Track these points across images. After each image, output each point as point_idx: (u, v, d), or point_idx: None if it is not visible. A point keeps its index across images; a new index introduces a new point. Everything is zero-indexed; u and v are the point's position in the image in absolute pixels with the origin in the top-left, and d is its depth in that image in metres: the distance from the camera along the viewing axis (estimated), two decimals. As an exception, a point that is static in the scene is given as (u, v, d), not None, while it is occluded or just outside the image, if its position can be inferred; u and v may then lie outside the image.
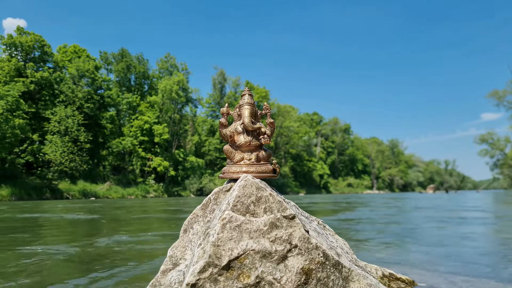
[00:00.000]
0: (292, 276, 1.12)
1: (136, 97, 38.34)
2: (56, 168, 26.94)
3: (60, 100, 30.24)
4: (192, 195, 35.70)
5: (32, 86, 28.73)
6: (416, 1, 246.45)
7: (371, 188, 72.21)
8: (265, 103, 1.59)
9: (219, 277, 1.06)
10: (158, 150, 36.28)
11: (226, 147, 1.52)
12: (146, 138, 35.79)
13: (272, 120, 1.53)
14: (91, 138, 30.73)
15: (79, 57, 33.83)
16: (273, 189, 1.36)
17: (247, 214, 1.17)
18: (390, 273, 1.87)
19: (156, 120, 36.91)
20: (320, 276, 1.16)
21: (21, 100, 24.75)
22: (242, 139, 1.48)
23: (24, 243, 3.86)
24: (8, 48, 29.15)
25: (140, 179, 34.04)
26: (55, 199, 22.94)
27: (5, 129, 22.04)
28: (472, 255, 3.16)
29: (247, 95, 1.53)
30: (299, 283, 1.12)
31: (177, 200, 21.65)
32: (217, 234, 1.10)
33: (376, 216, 7.95)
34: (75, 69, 31.64)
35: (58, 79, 30.92)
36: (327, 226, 1.77)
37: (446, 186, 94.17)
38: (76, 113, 30.06)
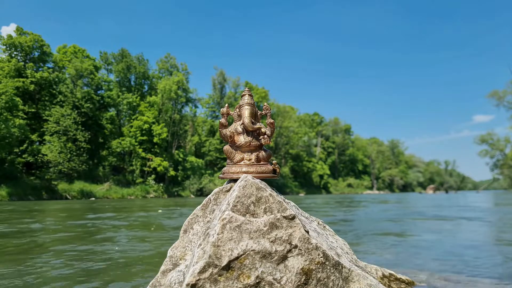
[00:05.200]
0: (292, 277, 1.12)
1: (136, 97, 38.33)
2: (55, 168, 26.90)
3: (59, 100, 30.22)
4: (192, 196, 35.68)
5: (32, 87, 28.72)
6: (416, 1, 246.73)
7: (371, 188, 72.16)
8: (265, 104, 1.59)
9: (219, 277, 1.06)
10: (158, 151, 36.25)
11: (226, 147, 1.52)
12: (145, 138, 35.77)
13: (272, 121, 1.53)
14: (89, 137, 30.69)
15: (78, 57, 33.83)
16: (273, 190, 1.36)
17: (247, 215, 1.17)
18: (390, 274, 1.87)
19: (155, 120, 36.90)
20: (320, 277, 1.16)
21: (18, 98, 24.64)
22: (242, 139, 1.48)
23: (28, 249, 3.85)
24: (8, 48, 29.14)
25: (140, 180, 33.99)
26: (55, 200, 22.94)
27: (3, 129, 21.97)
28: (472, 255, 3.16)
29: (247, 95, 1.53)
30: (299, 283, 1.12)
31: (177, 200, 21.65)
32: (217, 234, 1.10)
33: (376, 216, 7.95)
34: (73, 69, 31.62)
35: (57, 79, 30.90)
36: (327, 227, 1.77)
37: (446, 186, 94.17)
38: (74, 114, 30.03)
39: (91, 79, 33.36)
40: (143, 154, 35.12)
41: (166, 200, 21.61)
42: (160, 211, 9.75)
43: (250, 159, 1.47)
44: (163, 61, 42.67)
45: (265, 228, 1.15)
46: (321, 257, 1.17)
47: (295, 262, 1.14)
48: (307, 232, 1.21)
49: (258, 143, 1.48)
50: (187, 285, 1.04)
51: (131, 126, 36.20)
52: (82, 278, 2.29)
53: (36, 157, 26.93)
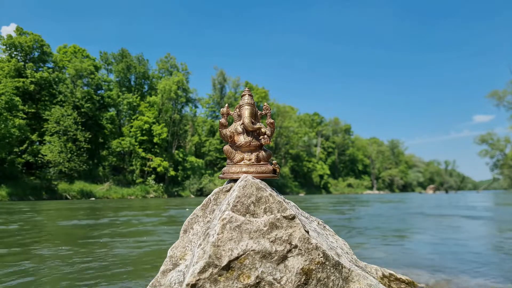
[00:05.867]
0: (292, 277, 1.12)
1: (136, 97, 38.33)
2: (55, 168, 26.89)
3: (59, 100, 30.21)
4: (192, 196, 35.68)
5: (32, 87, 28.71)
6: (416, 2, 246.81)
7: (371, 188, 72.15)
8: (265, 104, 1.59)
9: (219, 277, 1.06)
10: (158, 151, 36.25)
11: (226, 147, 1.52)
12: (145, 138, 35.77)
13: (272, 121, 1.52)
14: (89, 137, 30.69)
15: (78, 57, 33.82)
16: (273, 190, 1.36)
17: (247, 215, 1.17)
18: (390, 274, 1.87)
19: (155, 120, 36.90)
20: (320, 277, 1.16)
21: (17, 98, 24.62)
22: (242, 139, 1.47)
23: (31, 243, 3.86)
24: (8, 48, 29.13)
25: (140, 180, 33.98)
26: (55, 200, 22.93)
27: (3, 129, 21.94)
28: (472, 254, 3.16)
29: (247, 95, 1.53)
30: (299, 283, 1.12)
31: (177, 200, 21.64)
32: (217, 234, 1.10)
33: (376, 216, 7.94)
34: (73, 69, 31.60)
35: (57, 79, 30.89)
36: (327, 227, 1.77)
37: (446, 186, 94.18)
38: (75, 114, 30.02)
39: (91, 79, 33.34)
40: (143, 154, 35.11)
41: (167, 200, 21.61)
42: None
43: (250, 159, 1.46)
44: (163, 61, 42.66)
45: (265, 228, 1.14)
46: (321, 257, 1.17)
47: (295, 262, 1.14)
48: (307, 232, 1.21)
49: (258, 143, 1.48)
50: (187, 285, 1.04)
51: (131, 126, 36.19)
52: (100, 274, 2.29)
53: (36, 157, 26.93)
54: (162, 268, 1.35)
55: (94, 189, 28.38)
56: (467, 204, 14.26)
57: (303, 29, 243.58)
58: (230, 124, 1.55)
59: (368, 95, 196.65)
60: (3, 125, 21.99)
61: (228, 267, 1.07)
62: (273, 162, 1.51)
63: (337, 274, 1.21)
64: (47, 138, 28.37)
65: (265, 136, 1.49)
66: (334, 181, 65.87)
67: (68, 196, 25.70)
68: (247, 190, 1.21)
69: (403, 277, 1.91)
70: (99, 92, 35.10)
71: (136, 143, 35.18)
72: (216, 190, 1.47)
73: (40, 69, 30.84)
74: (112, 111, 36.29)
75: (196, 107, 44.99)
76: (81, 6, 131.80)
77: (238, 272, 1.07)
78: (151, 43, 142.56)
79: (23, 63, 29.63)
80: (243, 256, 1.08)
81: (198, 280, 1.04)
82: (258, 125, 1.49)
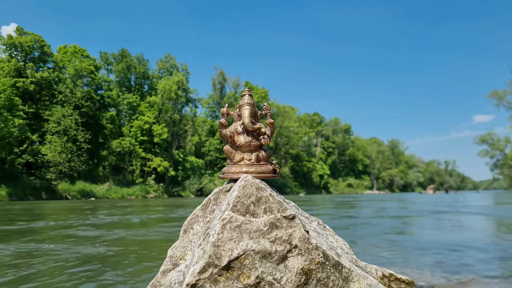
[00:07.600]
0: (292, 277, 1.12)
1: (136, 97, 38.34)
2: (55, 168, 26.90)
3: (59, 100, 30.21)
4: (192, 196, 35.68)
5: (32, 87, 28.71)
6: (416, 2, 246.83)
7: (371, 188, 72.16)
8: (265, 104, 1.59)
9: (219, 277, 1.06)
10: (158, 151, 36.27)
11: (226, 147, 1.52)
12: (145, 138, 35.79)
13: (272, 121, 1.52)
14: (90, 137, 30.69)
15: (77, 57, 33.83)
16: (273, 190, 1.36)
17: (247, 215, 1.17)
18: (390, 273, 1.87)
19: (155, 120, 36.93)
20: (320, 277, 1.16)
21: (16, 98, 24.60)
22: (242, 139, 1.47)
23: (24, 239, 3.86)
24: (8, 48, 29.13)
25: (140, 180, 33.99)
26: (55, 199, 22.93)
27: (3, 129, 21.93)
28: (472, 254, 3.16)
29: (247, 95, 1.53)
30: (299, 283, 1.12)
31: (177, 200, 21.64)
32: (217, 234, 1.10)
33: (376, 216, 7.94)
34: (73, 69, 31.61)
35: (57, 79, 30.90)
36: (327, 227, 1.77)
37: (446, 186, 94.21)
38: (76, 114, 30.02)
39: (91, 79, 33.36)
40: (143, 154, 35.12)
41: (168, 200, 21.61)
42: None
43: (250, 159, 1.46)
44: (163, 61, 42.67)
45: (265, 228, 1.15)
46: (321, 257, 1.17)
47: (295, 262, 1.14)
48: (307, 232, 1.21)
49: (258, 143, 1.48)
50: (187, 285, 1.04)
51: (131, 126, 36.21)
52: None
53: (36, 157, 26.93)
54: (162, 268, 1.35)
55: (94, 189, 28.39)
56: (468, 203, 14.27)
57: (303, 29, 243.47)
58: (230, 124, 1.55)
59: (368, 95, 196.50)
60: (3, 125, 21.99)
61: (228, 267, 1.07)
62: (273, 162, 1.51)
63: (337, 274, 1.21)
64: (47, 138, 28.38)
65: (265, 136, 1.49)
66: (334, 181, 65.89)
67: (68, 196, 25.71)
68: (247, 190, 1.21)
69: (403, 277, 1.91)
70: (99, 92, 35.14)
71: (136, 143, 35.19)
72: (216, 190, 1.47)
73: (40, 69, 30.86)
74: (112, 111, 36.32)
75: (196, 107, 45.06)
76: (81, 6, 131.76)
77: (238, 272, 1.07)
78: (151, 43, 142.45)
79: (23, 63, 29.63)
80: (243, 256, 1.08)
81: (198, 280, 1.04)
82: (258, 125, 1.49)
